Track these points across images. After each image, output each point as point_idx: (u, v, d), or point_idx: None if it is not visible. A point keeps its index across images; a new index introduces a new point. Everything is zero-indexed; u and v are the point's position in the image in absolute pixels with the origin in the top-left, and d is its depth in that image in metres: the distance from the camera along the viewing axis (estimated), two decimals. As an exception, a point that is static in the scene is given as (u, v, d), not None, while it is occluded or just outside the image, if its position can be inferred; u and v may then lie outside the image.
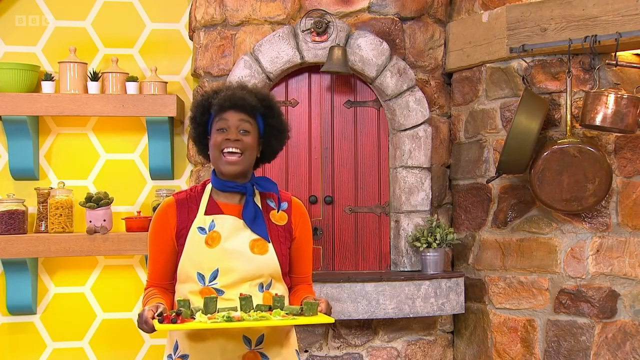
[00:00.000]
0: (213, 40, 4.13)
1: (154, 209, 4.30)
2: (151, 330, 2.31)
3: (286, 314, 2.37)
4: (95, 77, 4.20)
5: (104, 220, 4.12)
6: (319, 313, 2.40)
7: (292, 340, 2.62)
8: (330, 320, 2.36)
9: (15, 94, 4.08)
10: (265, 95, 2.57)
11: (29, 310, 4.25)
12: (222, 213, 2.54)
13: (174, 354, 2.54)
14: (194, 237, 2.51)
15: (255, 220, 2.54)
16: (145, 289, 2.56)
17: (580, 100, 3.74)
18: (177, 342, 2.54)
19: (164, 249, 2.53)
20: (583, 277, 3.78)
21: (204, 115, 2.54)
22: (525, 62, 3.85)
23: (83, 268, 4.36)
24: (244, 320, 2.31)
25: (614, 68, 3.73)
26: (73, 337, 4.35)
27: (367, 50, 4.00)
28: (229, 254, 2.49)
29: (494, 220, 4.03)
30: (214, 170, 2.56)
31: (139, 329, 2.37)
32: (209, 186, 2.59)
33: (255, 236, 2.53)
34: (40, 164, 4.33)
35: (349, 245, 4.14)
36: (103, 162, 4.40)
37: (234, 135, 2.47)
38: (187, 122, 4.46)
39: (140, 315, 2.33)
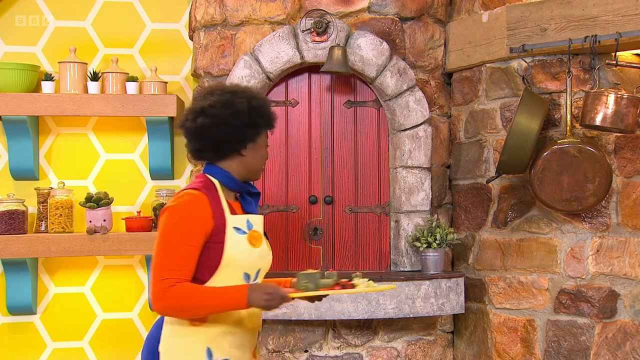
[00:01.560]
0: (213, 40, 4.13)
1: (154, 209, 4.30)
2: (282, 303, 2.38)
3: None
4: (95, 77, 4.20)
5: (104, 220, 4.12)
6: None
7: None
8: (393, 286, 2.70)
9: (15, 94, 4.08)
10: None
11: (29, 310, 4.25)
12: (235, 212, 2.53)
13: None
14: (234, 238, 2.46)
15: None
16: (181, 283, 2.35)
17: (580, 100, 3.74)
18: (209, 349, 2.44)
19: (199, 244, 2.41)
20: (583, 277, 3.78)
21: (252, 128, 2.50)
22: (525, 62, 3.85)
23: (83, 268, 4.36)
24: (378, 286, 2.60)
25: (614, 68, 3.72)
26: (73, 337, 4.35)
27: (367, 50, 4.00)
28: (267, 253, 2.56)
29: (494, 220, 4.03)
30: (225, 171, 2.52)
31: (270, 307, 2.38)
32: (218, 184, 2.53)
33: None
34: (40, 164, 4.33)
35: (349, 245, 4.14)
36: (103, 162, 4.40)
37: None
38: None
39: (274, 293, 2.35)
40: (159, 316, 2.59)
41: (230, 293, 2.36)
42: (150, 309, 4.34)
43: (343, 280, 2.56)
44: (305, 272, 2.52)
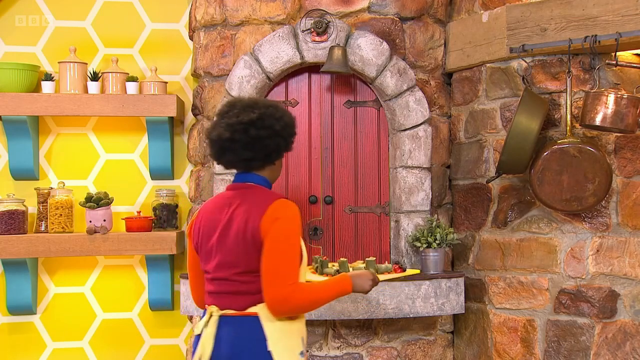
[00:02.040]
0: (213, 40, 4.13)
1: (154, 209, 4.30)
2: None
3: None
4: (95, 77, 4.20)
5: (104, 220, 4.12)
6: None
7: None
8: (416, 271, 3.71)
9: (15, 94, 4.08)
10: None
11: (29, 310, 4.25)
12: None
13: (305, 350, 2.71)
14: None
15: None
16: (298, 285, 2.59)
17: (580, 100, 3.74)
18: (302, 339, 2.71)
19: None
20: (583, 277, 3.78)
21: (292, 138, 2.80)
22: (525, 62, 3.85)
23: (83, 268, 4.37)
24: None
25: (614, 68, 3.73)
26: (73, 337, 4.36)
27: (367, 50, 4.00)
28: None
29: (494, 220, 4.03)
30: (267, 178, 2.77)
31: (369, 290, 2.83)
32: None
33: None
34: (40, 164, 4.33)
35: (349, 246, 4.14)
36: (103, 162, 4.40)
37: None
38: (187, 122, 4.46)
39: (374, 278, 2.83)
40: (223, 323, 2.64)
41: (337, 284, 2.70)
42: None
43: (395, 265, 3.44)
44: (368, 259, 3.46)
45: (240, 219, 2.61)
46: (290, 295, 2.54)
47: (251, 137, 2.64)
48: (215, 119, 2.73)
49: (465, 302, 4.01)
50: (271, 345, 2.60)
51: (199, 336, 2.67)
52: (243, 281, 2.61)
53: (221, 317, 2.63)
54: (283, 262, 2.56)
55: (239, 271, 2.61)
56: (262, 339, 2.59)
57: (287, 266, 2.57)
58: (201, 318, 2.70)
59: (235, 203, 2.67)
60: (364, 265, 3.59)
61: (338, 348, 3.99)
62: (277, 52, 3.98)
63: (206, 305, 2.72)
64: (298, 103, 4.13)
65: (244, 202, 2.65)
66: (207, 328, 2.63)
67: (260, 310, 2.60)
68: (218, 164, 2.77)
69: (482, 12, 4.02)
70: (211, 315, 2.64)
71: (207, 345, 2.62)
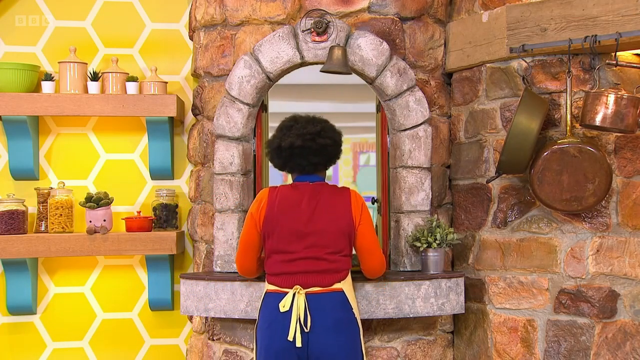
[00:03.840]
0: (213, 40, 4.13)
1: (154, 209, 4.31)
2: None
3: None
4: (95, 77, 4.20)
5: (104, 220, 4.12)
6: None
7: None
8: None
9: (15, 94, 4.09)
10: None
11: (29, 310, 4.25)
12: None
13: None
14: None
15: None
16: None
17: (580, 100, 3.74)
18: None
19: None
20: (583, 277, 3.78)
21: None
22: (525, 62, 3.85)
23: (83, 268, 4.37)
24: None
25: (614, 68, 3.73)
26: (73, 337, 4.36)
27: (367, 50, 4.00)
28: None
29: (494, 220, 4.03)
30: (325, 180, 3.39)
31: None
32: None
33: None
34: (40, 164, 4.34)
35: (349, 245, 4.13)
36: (103, 162, 4.40)
37: None
38: (187, 122, 4.46)
39: None
40: (312, 299, 3.13)
41: None
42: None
43: None
44: None
45: (330, 208, 3.20)
46: (384, 260, 3.33)
47: (319, 145, 3.20)
48: (278, 132, 3.25)
49: (465, 302, 4.01)
50: (356, 313, 3.22)
51: (278, 314, 3.08)
52: (331, 260, 3.15)
53: (308, 294, 3.11)
54: (375, 236, 3.29)
55: (330, 251, 3.15)
56: (350, 308, 3.18)
57: (377, 238, 3.30)
58: (265, 299, 3.17)
59: (316, 195, 3.22)
60: None
61: (338, 348, 3.98)
62: (277, 52, 3.98)
63: (279, 287, 3.13)
64: (298, 103, 4.14)
65: (325, 193, 3.23)
66: (298, 304, 3.07)
67: (343, 285, 3.17)
68: (281, 169, 3.27)
69: (482, 12, 4.02)
70: (295, 294, 3.08)
71: (302, 317, 3.06)
